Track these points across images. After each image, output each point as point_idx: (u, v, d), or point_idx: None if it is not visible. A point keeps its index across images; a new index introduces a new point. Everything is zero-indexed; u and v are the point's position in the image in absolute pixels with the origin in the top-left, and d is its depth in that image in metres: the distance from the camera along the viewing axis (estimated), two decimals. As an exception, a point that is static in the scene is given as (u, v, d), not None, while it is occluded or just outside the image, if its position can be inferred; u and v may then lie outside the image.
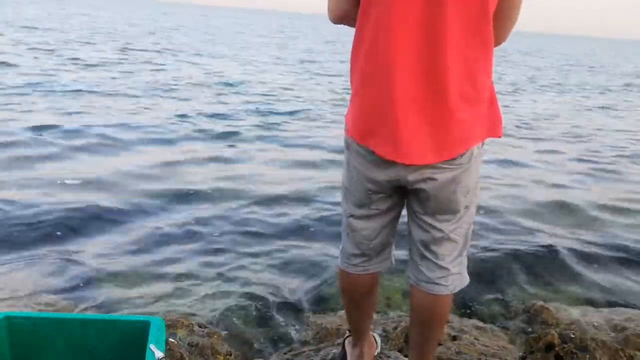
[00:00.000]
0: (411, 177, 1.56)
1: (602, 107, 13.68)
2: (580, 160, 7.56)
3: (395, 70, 1.48)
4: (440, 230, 1.64)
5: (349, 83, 1.65)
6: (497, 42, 1.59)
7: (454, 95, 1.48)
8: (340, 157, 1.84)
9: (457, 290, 1.72)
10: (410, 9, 1.45)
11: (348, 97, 1.67)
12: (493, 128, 1.60)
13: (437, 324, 1.79)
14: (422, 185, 1.57)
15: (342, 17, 1.61)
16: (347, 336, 2.15)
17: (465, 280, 1.74)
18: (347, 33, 1.92)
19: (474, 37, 1.48)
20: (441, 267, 1.68)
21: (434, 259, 1.68)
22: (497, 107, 1.61)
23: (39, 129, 6.63)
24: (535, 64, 29.47)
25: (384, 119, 1.52)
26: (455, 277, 1.70)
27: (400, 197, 1.70)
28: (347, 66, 1.68)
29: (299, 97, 11.37)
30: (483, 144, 1.61)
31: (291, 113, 9.39)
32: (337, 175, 2.91)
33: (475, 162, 1.59)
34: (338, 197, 4.73)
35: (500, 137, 1.63)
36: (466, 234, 1.69)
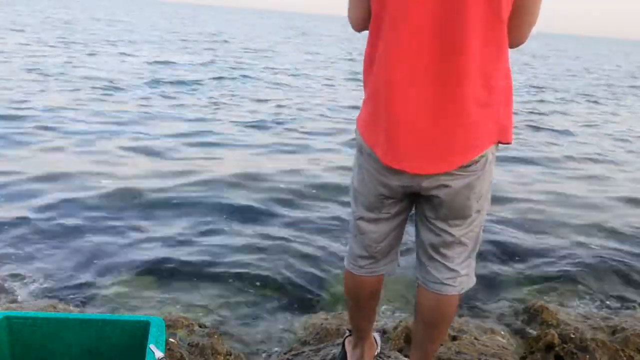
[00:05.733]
0: (425, 183, 1.55)
1: None
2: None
3: (410, 78, 1.46)
4: (451, 234, 1.63)
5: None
6: (517, 42, 1.56)
7: (470, 101, 1.46)
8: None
9: (464, 291, 1.72)
10: (425, 13, 1.42)
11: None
12: (504, 133, 1.57)
13: (443, 324, 1.79)
14: (436, 192, 1.55)
15: (361, 24, 1.60)
16: (347, 336, 2.15)
17: (473, 281, 1.74)
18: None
19: (488, 39, 1.45)
20: (450, 269, 1.68)
21: (443, 261, 1.68)
22: (511, 111, 1.59)
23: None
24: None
25: (394, 126, 1.51)
26: (464, 279, 1.70)
27: (410, 201, 1.69)
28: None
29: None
30: (497, 147, 1.59)
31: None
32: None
33: (489, 167, 1.58)
34: (341, 196, 4.83)
35: (510, 143, 1.59)
36: (477, 237, 1.68)
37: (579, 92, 16.43)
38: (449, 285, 1.69)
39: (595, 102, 14.53)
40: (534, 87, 16.66)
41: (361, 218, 1.73)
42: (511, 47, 1.57)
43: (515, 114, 10.26)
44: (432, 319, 1.77)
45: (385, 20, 1.49)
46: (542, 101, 13.52)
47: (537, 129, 9.66)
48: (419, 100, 1.47)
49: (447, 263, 1.67)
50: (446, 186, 1.54)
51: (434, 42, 1.43)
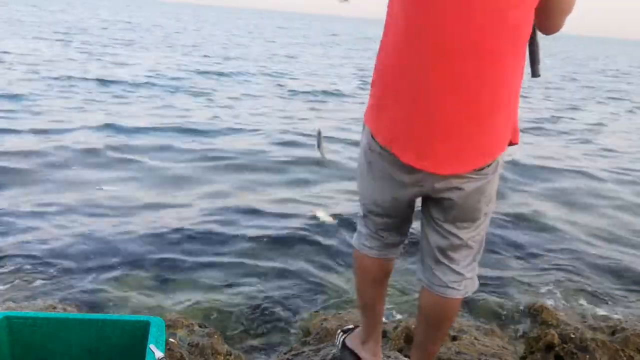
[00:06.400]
0: (438, 185, 1.54)
1: None
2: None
3: (433, 80, 1.42)
4: (459, 237, 1.63)
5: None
6: (552, 30, 1.52)
7: (490, 105, 1.44)
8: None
9: (468, 294, 1.72)
10: (460, 15, 1.37)
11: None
12: (514, 134, 1.56)
13: (445, 326, 1.80)
14: (448, 194, 1.55)
15: None
16: (345, 336, 2.12)
17: (476, 284, 1.75)
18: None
19: (512, 42, 1.41)
20: (456, 272, 1.68)
21: (449, 264, 1.67)
22: (517, 110, 1.58)
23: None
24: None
25: (415, 128, 1.48)
26: (468, 282, 1.70)
27: (418, 199, 1.69)
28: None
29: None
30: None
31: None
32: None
33: (499, 170, 1.58)
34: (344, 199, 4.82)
35: (517, 143, 1.59)
36: (482, 240, 1.69)
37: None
38: (454, 288, 1.69)
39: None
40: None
41: (370, 212, 1.75)
42: (546, 34, 1.54)
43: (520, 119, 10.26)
44: (435, 320, 1.77)
45: (409, 16, 1.44)
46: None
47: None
48: (446, 105, 1.43)
49: (453, 266, 1.67)
50: (459, 189, 1.53)
51: (462, 47, 1.39)
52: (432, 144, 1.48)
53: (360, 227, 1.84)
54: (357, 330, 2.13)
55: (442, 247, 1.66)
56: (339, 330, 2.21)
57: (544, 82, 17.14)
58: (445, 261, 1.67)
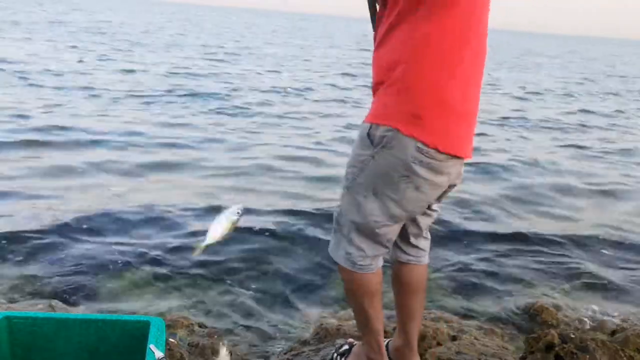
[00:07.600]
0: (459, 171, 1.71)
1: None
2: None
3: (470, 75, 1.62)
4: (437, 211, 1.87)
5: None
6: None
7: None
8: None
9: None
10: (477, 17, 1.59)
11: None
12: None
13: (425, 289, 2.00)
14: (460, 178, 1.75)
15: None
16: (344, 357, 2.10)
17: None
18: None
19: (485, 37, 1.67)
20: (428, 240, 1.93)
21: (425, 235, 1.91)
22: None
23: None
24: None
25: (467, 123, 1.66)
26: None
27: None
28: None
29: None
30: None
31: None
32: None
33: None
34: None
35: None
36: None
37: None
38: (427, 253, 1.93)
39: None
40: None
41: (386, 225, 1.72)
42: None
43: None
44: (423, 287, 1.97)
45: (450, 21, 1.55)
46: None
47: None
48: (471, 92, 1.64)
49: (427, 235, 1.91)
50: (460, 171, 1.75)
51: (477, 47, 1.62)
52: (472, 134, 1.69)
53: (353, 249, 1.76)
54: (355, 348, 2.11)
55: (429, 223, 1.88)
56: (335, 354, 2.17)
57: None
58: (424, 234, 1.90)
